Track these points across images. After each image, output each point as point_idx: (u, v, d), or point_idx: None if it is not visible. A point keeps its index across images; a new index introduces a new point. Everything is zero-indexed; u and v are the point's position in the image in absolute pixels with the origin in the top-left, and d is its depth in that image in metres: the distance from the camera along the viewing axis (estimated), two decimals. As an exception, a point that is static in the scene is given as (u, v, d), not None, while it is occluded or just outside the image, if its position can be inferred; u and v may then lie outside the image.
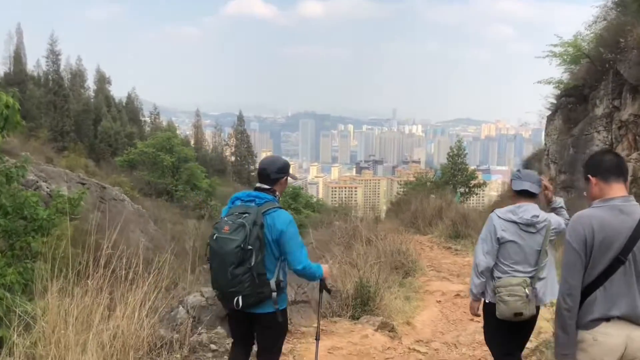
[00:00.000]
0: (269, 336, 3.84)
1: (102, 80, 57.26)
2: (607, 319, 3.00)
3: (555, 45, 19.89)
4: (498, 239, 4.12)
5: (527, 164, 29.68)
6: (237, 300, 3.53)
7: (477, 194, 38.83)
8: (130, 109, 60.82)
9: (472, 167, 40.38)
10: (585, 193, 3.42)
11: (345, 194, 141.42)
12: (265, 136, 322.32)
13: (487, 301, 4.26)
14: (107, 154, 46.84)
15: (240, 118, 73.26)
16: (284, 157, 4.25)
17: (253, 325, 3.84)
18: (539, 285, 4.12)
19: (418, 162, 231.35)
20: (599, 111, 18.49)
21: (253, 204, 3.65)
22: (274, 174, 3.80)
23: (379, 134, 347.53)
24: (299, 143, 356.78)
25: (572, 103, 19.90)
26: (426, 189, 31.50)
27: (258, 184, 3.82)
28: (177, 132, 58.31)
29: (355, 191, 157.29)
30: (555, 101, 22.41)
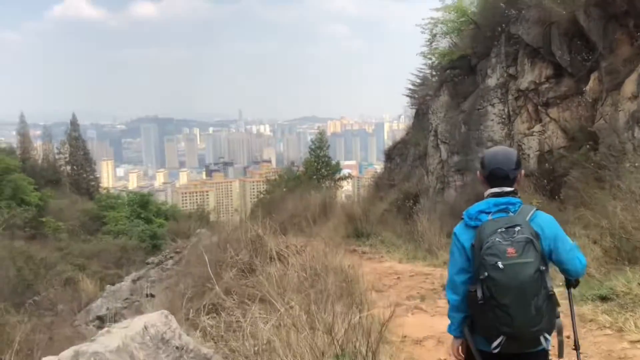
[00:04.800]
0: None
1: None
2: None
3: (437, 10, 17.78)
4: None
5: (390, 153, 28.24)
6: (546, 338, 2.87)
7: (342, 188, 37.39)
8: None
9: (335, 161, 38.56)
10: None
11: (197, 199, 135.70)
12: (105, 144, 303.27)
13: None
14: None
15: (74, 123, 65.79)
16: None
17: None
18: None
19: (269, 161, 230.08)
20: (492, 82, 16.56)
21: (510, 214, 2.93)
22: (512, 171, 3.07)
23: (227, 135, 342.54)
24: (142, 149, 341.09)
25: (458, 75, 17.92)
26: (291, 186, 29.31)
27: (496, 189, 3.03)
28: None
29: (207, 195, 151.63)
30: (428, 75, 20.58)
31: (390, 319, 4.28)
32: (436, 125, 18.67)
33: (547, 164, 13.95)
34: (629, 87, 11.87)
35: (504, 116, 16.14)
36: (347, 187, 48.08)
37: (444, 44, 19.38)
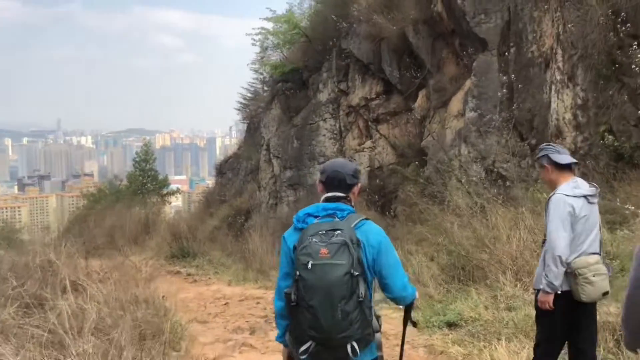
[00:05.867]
0: None
1: None
2: None
3: (268, 20, 17.24)
4: (576, 217, 3.73)
5: (221, 167, 27.46)
6: (353, 348, 2.71)
7: (170, 203, 35.57)
8: None
9: (163, 175, 36.59)
10: None
11: (7, 216, 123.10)
12: None
13: (558, 292, 3.74)
14: None
15: None
16: None
17: None
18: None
19: (91, 175, 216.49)
20: (324, 96, 16.36)
21: (336, 219, 2.86)
22: (350, 177, 2.99)
23: (43, 146, 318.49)
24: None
25: (290, 89, 17.51)
26: (112, 201, 27.12)
27: (330, 194, 2.97)
28: None
29: (20, 211, 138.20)
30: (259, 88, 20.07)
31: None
32: (268, 139, 18.09)
33: (377, 180, 13.91)
34: (455, 105, 12.13)
35: (335, 131, 15.98)
36: (176, 202, 45.97)
37: (275, 57, 18.93)
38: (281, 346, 3.08)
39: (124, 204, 21.21)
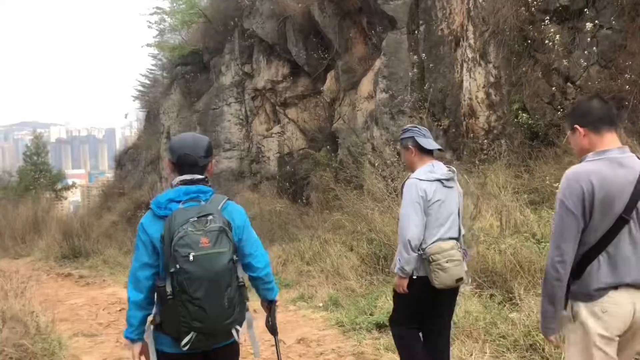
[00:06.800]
0: None
1: None
2: (616, 287, 2.52)
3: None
4: (429, 202, 3.70)
5: (120, 159, 26.10)
6: (237, 330, 2.80)
7: (66, 199, 33.75)
8: None
9: (57, 169, 34.52)
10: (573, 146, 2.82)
11: None
12: None
13: (414, 277, 3.70)
14: None
15: None
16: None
17: None
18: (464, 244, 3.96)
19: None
20: (227, 80, 15.47)
21: (201, 202, 2.76)
22: (202, 159, 2.88)
23: None
24: None
25: (190, 72, 16.51)
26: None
27: (187, 176, 2.82)
28: None
29: None
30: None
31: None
32: (168, 126, 17.01)
33: (288, 166, 13.27)
34: (365, 86, 11.69)
35: (241, 117, 15.19)
36: (75, 197, 43.55)
37: (174, 39, 17.84)
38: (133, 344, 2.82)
39: (12, 201, 19.61)
